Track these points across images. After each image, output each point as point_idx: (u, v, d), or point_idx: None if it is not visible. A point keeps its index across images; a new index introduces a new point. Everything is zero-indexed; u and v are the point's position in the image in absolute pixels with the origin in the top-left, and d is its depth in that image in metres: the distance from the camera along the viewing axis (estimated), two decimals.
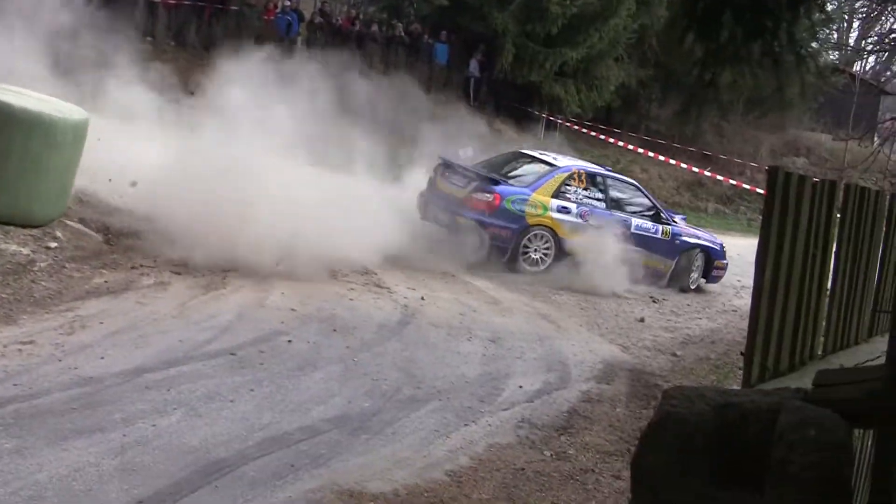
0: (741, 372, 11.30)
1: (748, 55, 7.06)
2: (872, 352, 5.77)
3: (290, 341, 9.90)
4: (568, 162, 17.02)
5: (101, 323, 9.41)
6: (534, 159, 17.01)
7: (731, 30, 7.09)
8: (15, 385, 7.59)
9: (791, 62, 7.11)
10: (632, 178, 19.20)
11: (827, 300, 6.08)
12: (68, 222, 12.14)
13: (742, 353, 6.58)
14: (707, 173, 26.53)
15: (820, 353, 5.95)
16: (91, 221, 12.64)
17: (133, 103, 16.85)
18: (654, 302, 15.10)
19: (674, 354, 12.10)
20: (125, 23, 22.85)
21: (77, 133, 11.82)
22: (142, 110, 17.15)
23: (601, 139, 28.43)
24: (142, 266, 11.54)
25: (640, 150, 27.38)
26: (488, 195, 15.20)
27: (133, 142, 15.69)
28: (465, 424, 8.58)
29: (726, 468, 2.90)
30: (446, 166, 16.48)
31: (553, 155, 17.75)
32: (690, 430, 2.92)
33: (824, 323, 6.10)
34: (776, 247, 5.28)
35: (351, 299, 11.93)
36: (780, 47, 7.09)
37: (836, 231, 6.07)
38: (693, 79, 7.37)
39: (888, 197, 7.02)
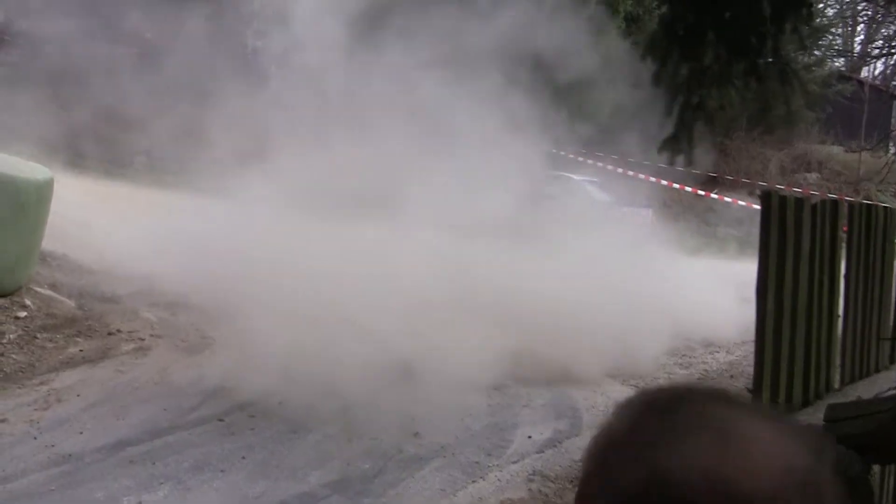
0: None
1: (732, 75, 7.19)
2: (894, 380, 5.81)
3: (280, 402, 9.93)
4: None
5: (78, 395, 9.44)
6: None
7: (716, 50, 7.22)
8: None
9: (775, 80, 7.23)
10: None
11: (840, 327, 6.12)
12: (37, 289, 12.19)
13: (749, 390, 6.62)
14: (714, 195, 26.62)
15: (837, 384, 5.98)
16: (62, 286, 12.69)
17: None
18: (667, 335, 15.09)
19: None
20: None
21: (41, 193, 11.90)
22: None
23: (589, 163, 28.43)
24: (119, 332, 11.57)
25: (642, 176, 27.45)
26: None
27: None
28: (473, 481, 8.60)
29: None
30: None
31: None
32: None
33: (839, 352, 6.14)
34: (777, 275, 5.34)
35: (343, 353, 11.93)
36: (764, 65, 7.21)
37: (843, 253, 6.13)
38: (680, 103, 7.48)
39: None
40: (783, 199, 5.39)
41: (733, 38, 7.05)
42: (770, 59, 7.31)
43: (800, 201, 5.51)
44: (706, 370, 13.30)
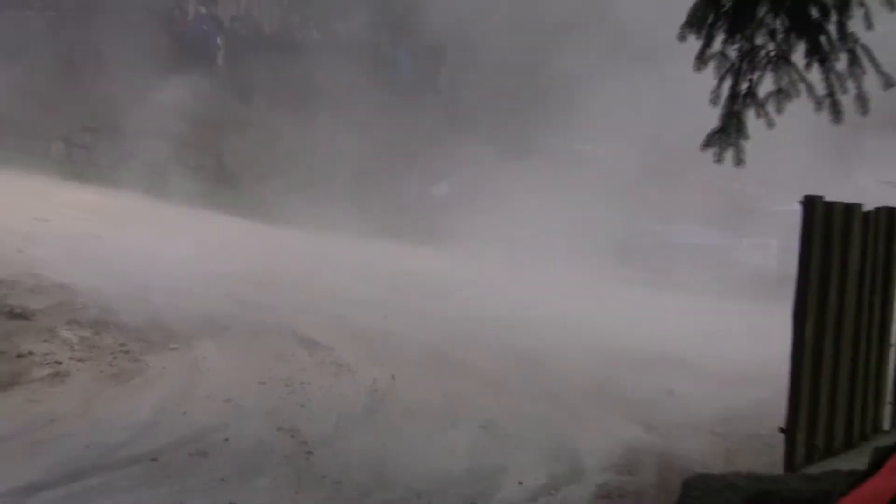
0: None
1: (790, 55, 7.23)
2: None
3: (226, 440, 9.95)
4: None
5: None
6: None
7: (770, 25, 7.26)
8: None
9: (844, 62, 7.27)
10: None
11: (894, 358, 6.15)
12: None
13: (782, 430, 6.65)
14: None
15: (887, 425, 6.01)
16: None
17: None
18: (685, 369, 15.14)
19: (713, 433, 12.14)
20: None
21: None
22: None
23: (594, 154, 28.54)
24: (31, 354, 11.56)
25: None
26: None
27: None
28: None
29: None
30: None
31: None
32: None
33: (890, 387, 6.16)
34: (819, 295, 5.39)
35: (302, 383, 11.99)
36: (829, 44, 7.28)
37: None
38: (728, 89, 7.51)
39: None
40: (829, 207, 5.44)
41: (791, 10, 7.10)
42: (836, 37, 7.36)
43: (849, 209, 5.56)
44: (731, 406, 13.32)
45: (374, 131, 25.71)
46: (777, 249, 22.24)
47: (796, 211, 20.06)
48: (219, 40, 29.40)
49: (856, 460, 4.58)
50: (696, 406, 13.18)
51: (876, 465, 1.12)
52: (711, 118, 7.99)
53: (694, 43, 7.74)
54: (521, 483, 9.86)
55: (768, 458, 11.31)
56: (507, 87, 28.05)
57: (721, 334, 16.38)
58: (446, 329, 15.70)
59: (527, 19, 27.18)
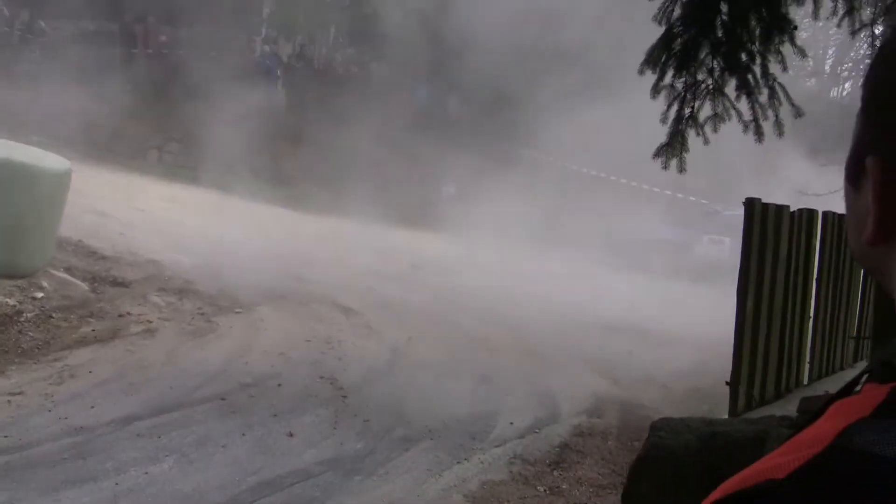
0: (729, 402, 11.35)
1: (725, 89, 7.21)
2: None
3: (279, 385, 9.91)
4: None
5: (90, 372, 9.41)
6: None
7: (709, 65, 7.24)
8: (5, 437, 7.59)
9: (765, 95, 7.25)
10: None
11: (810, 328, 6.13)
12: (54, 272, 12.15)
13: (728, 383, 6.60)
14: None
15: (806, 380, 5.97)
16: (77, 270, 12.66)
17: None
18: (643, 334, 15.10)
19: (664, 386, 12.11)
20: None
21: (60, 182, 11.84)
22: None
23: (583, 172, 28.60)
24: (129, 314, 11.54)
25: (623, 180, 27.62)
26: None
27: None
28: (458, 462, 8.58)
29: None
30: None
31: None
32: (678, 460, 2.95)
33: (808, 350, 6.14)
34: (757, 277, 5.34)
35: (340, 341, 11.95)
36: (755, 81, 7.24)
37: (815, 258, 6.12)
38: (675, 113, 7.49)
39: None
40: (765, 207, 5.39)
41: (725, 54, 7.08)
42: (760, 75, 7.36)
43: (779, 209, 5.51)
44: (680, 367, 13.26)
45: (398, 144, 25.73)
46: (730, 245, 22.54)
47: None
48: (279, 71, 29.48)
49: (784, 408, 4.57)
50: (651, 365, 13.16)
51: (815, 412, 1.02)
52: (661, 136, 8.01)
53: (649, 77, 7.77)
54: (511, 423, 9.80)
55: (707, 406, 11.27)
56: (501, 110, 28.05)
57: (675, 310, 16.37)
58: (452, 300, 15.71)
59: (517, 57, 27.20)
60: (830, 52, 43.85)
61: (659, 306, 16.90)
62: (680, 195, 27.41)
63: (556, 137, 26.36)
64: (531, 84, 27.49)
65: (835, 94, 41.93)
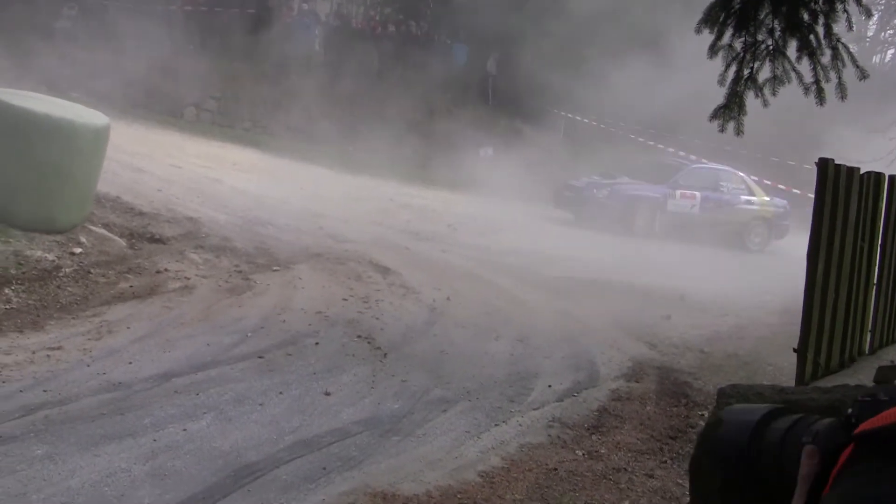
0: (770, 368, 11.19)
1: (786, 50, 7.00)
2: None
3: (317, 343, 9.84)
4: None
5: (128, 328, 9.38)
6: None
7: (769, 25, 7.03)
8: (45, 391, 7.57)
9: (828, 57, 7.04)
10: None
11: (874, 294, 5.94)
12: (92, 227, 12.12)
13: (795, 350, 6.45)
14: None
15: (867, 350, 5.81)
16: (114, 226, 12.63)
17: None
18: (680, 299, 14.93)
19: (702, 351, 11.96)
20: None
21: (99, 138, 11.80)
22: None
23: (619, 135, 28.37)
24: (166, 271, 11.49)
25: (671, 150, 27.36)
26: None
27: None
28: (496, 424, 8.49)
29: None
30: None
31: None
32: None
33: (871, 319, 5.96)
34: (828, 241, 5.17)
35: (377, 300, 11.86)
36: (817, 42, 7.03)
37: (881, 223, 5.94)
38: (733, 74, 7.30)
39: None
40: (838, 167, 5.21)
41: (787, 13, 6.88)
42: (823, 36, 7.16)
43: (850, 171, 5.33)
44: (717, 331, 13.11)
45: (435, 103, 25.58)
46: (700, 200, 22.74)
47: (712, 168, 20.18)
48: (316, 31, 29.35)
49: (853, 377, 4.44)
50: (687, 329, 13.03)
51: None
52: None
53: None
54: (550, 386, 9.71)
55: (744, 373, 11.14)
56: (540, 70, 27.80)
57: (703, 274, 16.23)
58: (489, 259, 15.64)
59: (556, 16, 26.98)
60: (874, 17, 43.14)
61: (687, 269, 16.77)
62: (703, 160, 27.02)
63: (593, 98, 26.17)
64: (571, 43, 27.23)
65: (876, 60, 41.27)
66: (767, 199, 24.19)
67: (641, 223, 22.14)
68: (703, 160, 25.28)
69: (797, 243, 20.10)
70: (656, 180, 22.85)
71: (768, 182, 26.13)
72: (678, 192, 22.66)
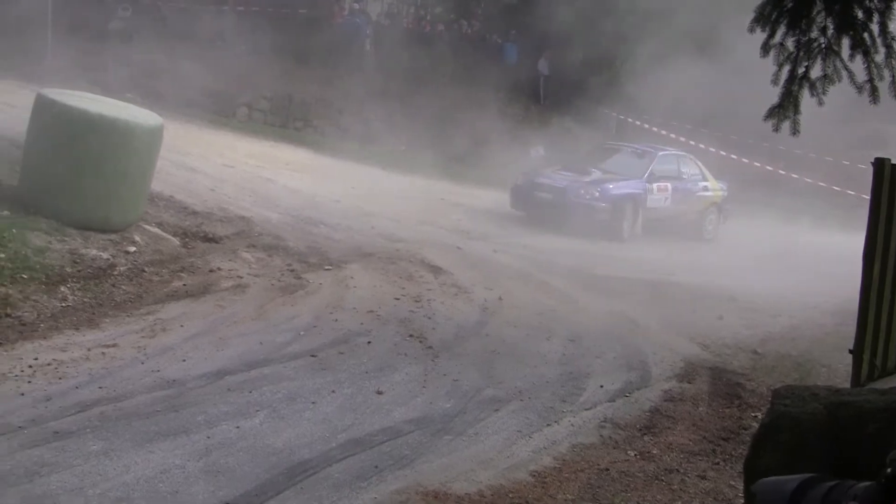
0: (824, 370, 11.09)
1: (839, 48, 6.93)
2: None
3: (369, 342, 9.88)
4: None
5: (182, 326, 9.47)
6: None
7: (821, 23, 6.97)
8: (100, 388, 7.66)
9: (882, 55, 6.96)
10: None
11: None
12: (146, 226, 12.24)
13: (850, 351, 6.40)
14: (781, 172, 26.16)
15: None
16: (168, 225, 12.75)
17: None
18: (732, 299, 14.79)
19: (755, 352, 11.87)
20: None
21: (153, 138, 11.92)
22: None
23: (671, 137, 28.17)
24: (219, 270, 11.57)
25: (712, 149, 27.09)
26: None
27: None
28: (548, 424, 8.49)
29: (840, 468, 2.76)
30: None
31: None
32: (804, 429, 2.79)
33: None
34: (884, 242, 5.11)
35: (429, 300, 11.87)
36: (871, 40, 6.95)
37: None
38: (787, 73, 7.24)
39: None
40: (894, 168, 5.15)
41: (839, 12, 6.82)
42: (878, 34, 7.08)
43: None
44: (770, 332, 13.00)
45: (486, 103, 25.57)
46: (671, 192, 20.47)
47: (675, 154, 18.93)
48: (368, 31, 29.42)
49: None
50: (740, 330, 12.94)
51: None
52: None
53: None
54: (601, 386, 9.69)
55: (798, 374, 11.05)
56: (590, 70, 27.74)
57: (753, 275, 16.07)
58: (540, 259, 15.58)
59: (607, 16, 26.84)
60: None
61: (740, 268, 16.64)
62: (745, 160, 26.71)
63: (643, 98, 25.99)
64: (622, 42, 27.10)
65: None
66: (717, 183, 22.16)
67: (627, 226, 19.56)
68: (659, 146, 22.97)
69: (741, 228, 19.68)
70: (620, 171, 20.36)
71: (822, 183, 25.82)
72: (655, 186, 20.32)
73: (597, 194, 19.14)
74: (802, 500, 1.62)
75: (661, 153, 21.33)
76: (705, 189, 21.59)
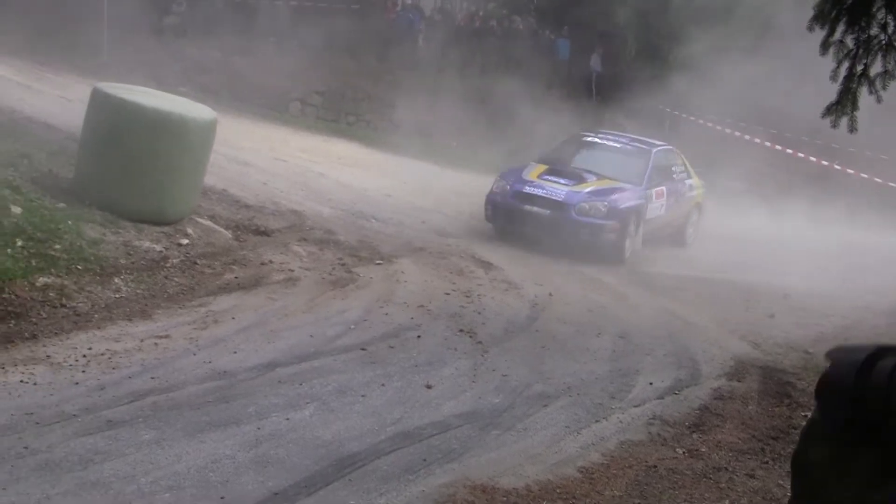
0: None
1: None
2: None
3: (419, 337, 9.92)
4: None
5: (233, 318, 9.54)
6: None
7: (882, 19, 6.92)
8: (152, 378, 7.75)
9: None
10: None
11: None
12: (199, 219, 12.36)
13: None
14: (837, 167, 25.89)
15: None
16: (220, 218, 12.87)
17: None
18: (784, 298, 14.67)
19: (806, 352, 11.78)
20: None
21: (206, 132, 12.02)
22: None
23: (726, 132, 28.00)
24: (271, 263, 11.66)
25: (767, 144, 26.86)
26: None
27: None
28: (597, 421, 8.49)
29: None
30: None
31: None
32: None
33: None
34: None
35: (479, 295, 11.90)
36: None
37: None
38: (845, 70, 7.20)
39: None
40: None
41: None
42: None
43: None
44: (822, 332, 12.89)
45: (539, 100, 25.52)
46: (666, 194, 17.12)
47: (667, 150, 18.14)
48: (420, 26, 29.53)
49: None
50: (792, 329, 12.85)
51: None
52: None
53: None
54: (651, 384, 9.66)
55: None
56: (644, 66, 27.65)
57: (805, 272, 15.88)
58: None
59: (661, 11, 26.73)
60: None
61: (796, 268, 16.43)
62: (800, 154, 26.45)
63: (696, 94, 25.82)
64: (674, 39, 26.98)
65: None
66: (699, 180, 19.13)
67: (629, 243, 15.95)
68: (647, 139, 19.22)
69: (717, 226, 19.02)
70: (614, 173, 16.56)
71: (878, 179, 25.50)
72: (654, 193, 16.88)
73: (603, 210, 15.53)
74: (872, 370, 1.63)
75: (655, 150, 17.92)
76: (691, 188, 18.66)
